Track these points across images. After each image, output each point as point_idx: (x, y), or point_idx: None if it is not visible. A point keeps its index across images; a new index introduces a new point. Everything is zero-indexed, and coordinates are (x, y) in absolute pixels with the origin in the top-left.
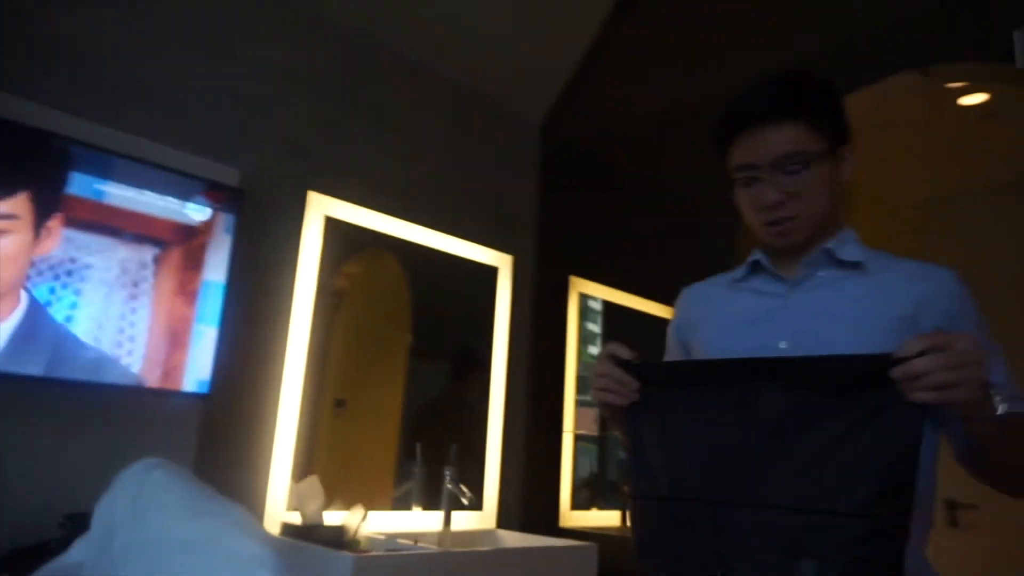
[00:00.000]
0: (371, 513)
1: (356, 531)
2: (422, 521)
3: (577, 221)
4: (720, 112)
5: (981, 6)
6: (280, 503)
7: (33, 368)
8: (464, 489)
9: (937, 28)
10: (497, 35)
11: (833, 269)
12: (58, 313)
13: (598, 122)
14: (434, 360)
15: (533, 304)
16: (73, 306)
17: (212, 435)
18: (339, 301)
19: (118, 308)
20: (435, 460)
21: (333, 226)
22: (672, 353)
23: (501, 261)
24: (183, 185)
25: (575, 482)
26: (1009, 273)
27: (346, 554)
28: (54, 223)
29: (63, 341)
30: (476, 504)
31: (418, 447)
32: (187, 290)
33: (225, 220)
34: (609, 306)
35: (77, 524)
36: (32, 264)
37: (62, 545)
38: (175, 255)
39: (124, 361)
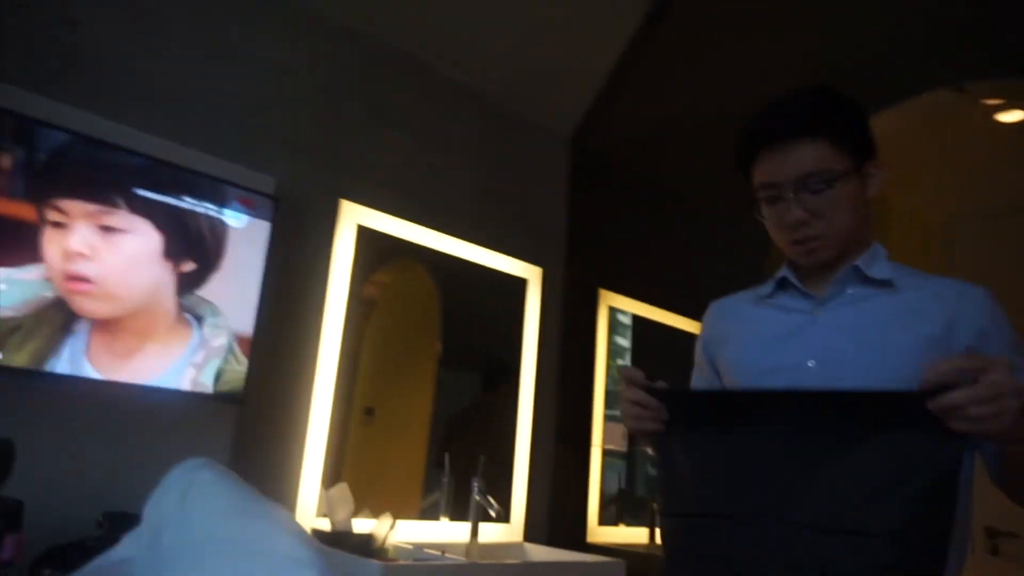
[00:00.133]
0: (399, 522)
1: (384, 540)
2: (449, 532)
3: (607, 233)
4: (741, 130)
5: (1018, 22)
6: (310, 509)
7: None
8: (492, 501)
9: (972, 44)
10: (528, 47)
11: (862, 287)
12: None
13: (628, 133)
14: (463, 370)
15: (562, 317)
16: None
17: (244, 440)
18: (369, 310)
19: None
20: (463, 471)
21: (365, 235)
22: (700, 369)
23: (530, 273)
24: (221, 192)
25: (603, 498)
26: None
27: (375, 562)
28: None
29: None
30: (503, 516)
31: (446, 457)
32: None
33: (260, 227)
34: (638, 320)
35: (115, 523)
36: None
37: (101, 543)
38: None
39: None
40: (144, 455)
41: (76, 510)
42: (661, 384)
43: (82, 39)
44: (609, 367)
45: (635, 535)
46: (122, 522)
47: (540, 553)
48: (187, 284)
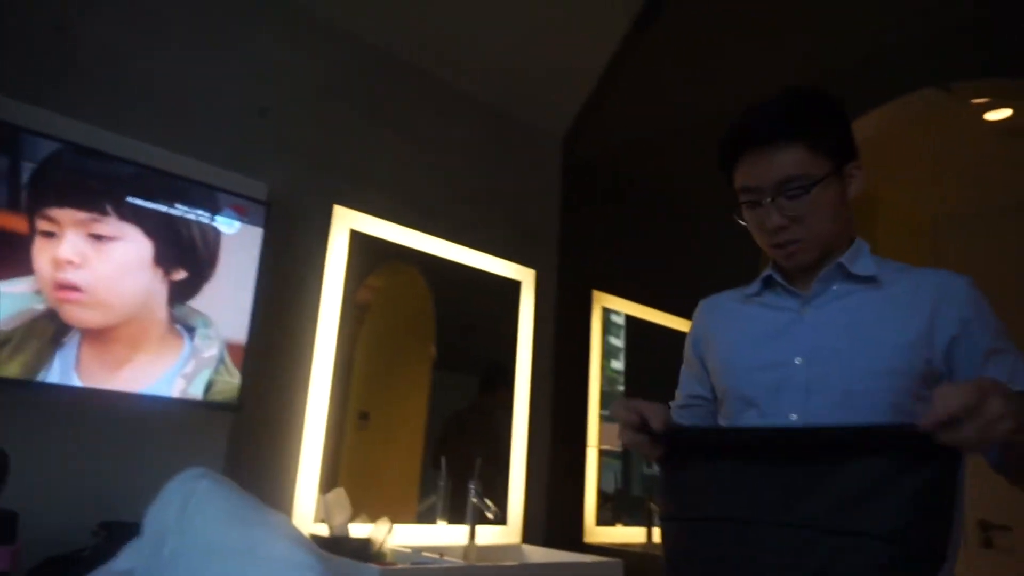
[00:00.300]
0: (396, 526)
1: (382, 544)
2: (447, 535)
3: (599, 235)
4: (722, 133)
5: (1004, 23)
6: (307, 515)
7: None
8: (489, 503)
9: (959, 45)
10: (519, 50)
11: (846, 283)
12: None
13: (620, 135)
14: (458, 373)
15: (556, 318)
16: None
17: (240, 447)
18: (363, 314)
19: None
20: (460, 473)
21: (358, 240)
22: (690, 365)
23: (524, 275)
24: (213, 199)
25: (599, 498)
26: None
27: (373, 567)
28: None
29: None
30: (501, 518)
31: (443, 460)
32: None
33: (253, 233)
34: (632, 320)
35: (111, 532)
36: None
37: (96, 553)
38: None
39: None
40: (139, 464)
41: (71, 520)
42: (656, 422)
43: (72, 46)
44: (603, 367)
45: (632, 535)
46: (118, 531)
47: (538, 554)
48: (179, 294)
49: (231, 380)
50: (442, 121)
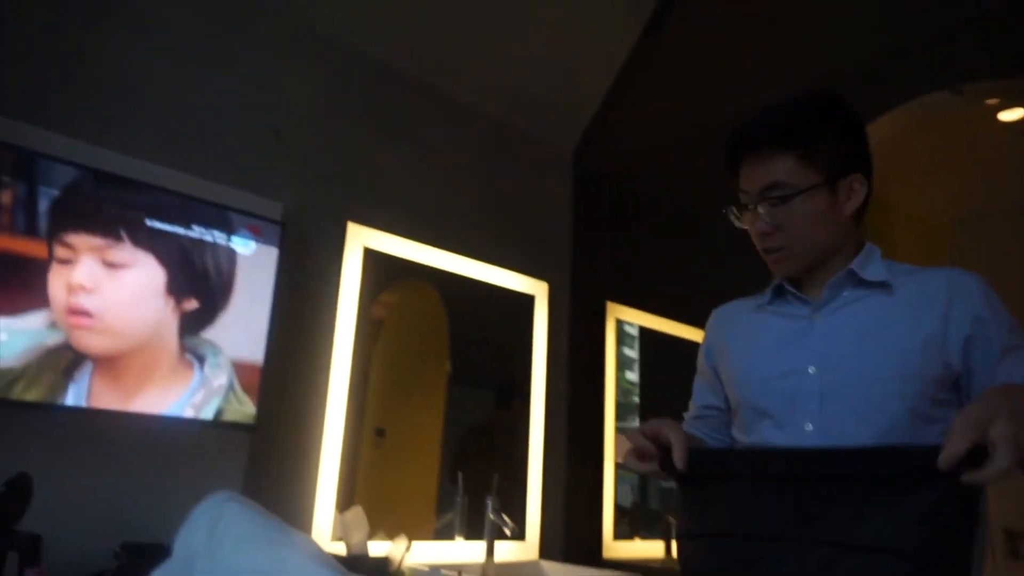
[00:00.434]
0: (414, 543)
1: (401, 562)
2: (465, 551)
3: (611, 246)
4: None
5: (1012, 22)
6: (325, 534)
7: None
8: (506, 519)
9: (967, 46)
10: (528, 65)
11: (857, 289)
12: None
13: (630, 146)
14: (473, 389)
15: (570, 331)
16: None
17: (258, 467)
18: (377, 331)
19: None
20: (477, 489)
21: (372, 257)
22: (703, 374)
23: (537, 289)
24: (229, 220)
25: (617, 512)
26: None
27: None
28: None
29: None
30: (518, 534)
31: (459, 476)
32: None
33: (268, 253)
34: (645, 332)
35: (133, 554)
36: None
37: (120, 574)
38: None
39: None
40: (159, 486)
41: (93, 542)
42: (679, 459)
43: (88, 71)
44: (618, 379)
45: (651, 549)
46: (139, 553)
47: (556, 571)
48: (191, 324)
49: (240, 408)
50: (453, 136)
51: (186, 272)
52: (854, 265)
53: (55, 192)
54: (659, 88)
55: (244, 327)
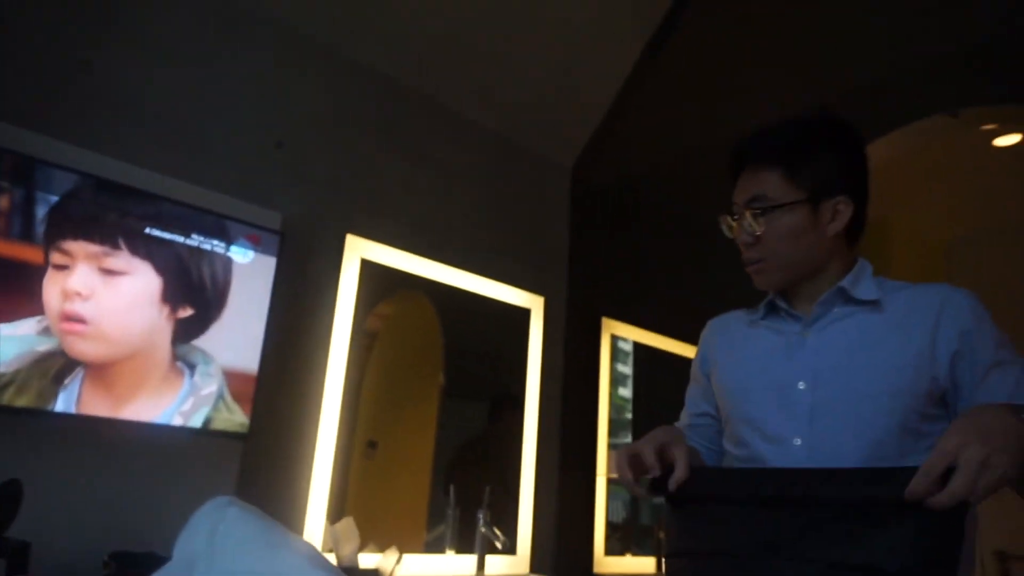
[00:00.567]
0: (404, 556)
1: (391, 574)
2: (456, 565)
3: (608, 262)
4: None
5: (1008, 50)
6: (316, 544)
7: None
8: (498, 532)
9: (964, 72)
10: (529, 79)
11: (847, 306)
12: None
13: (629, 163)
14: (467, 401)
15: (565, 345)
16: None
17: (249, 476)
18: (371, 342)
19: None
20: (468, 502)
21: (369, 268)
22: (696, 380)
23: (533, 303)
24: (228, 229)
25: (608, 527)
26: None
27: None
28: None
29: None
30: (510, 548)
31: (451, 489)
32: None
33: (266, 263)
34: (640, 347)
35: (123, 563)
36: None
37: None
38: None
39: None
40: (149, 495)
41: (82, 550)
42: (680, 474)
43: (91, 79)
44: (612, 395)
45: (642, 565)
46: (129, 562)
47: None
48: (184, 332)
49: (230, 416)
50: (452, 150)
51: (182, 280)
52: (845, 282)
53: (54, 198)
54: (659, 106)
55: (238, 336)
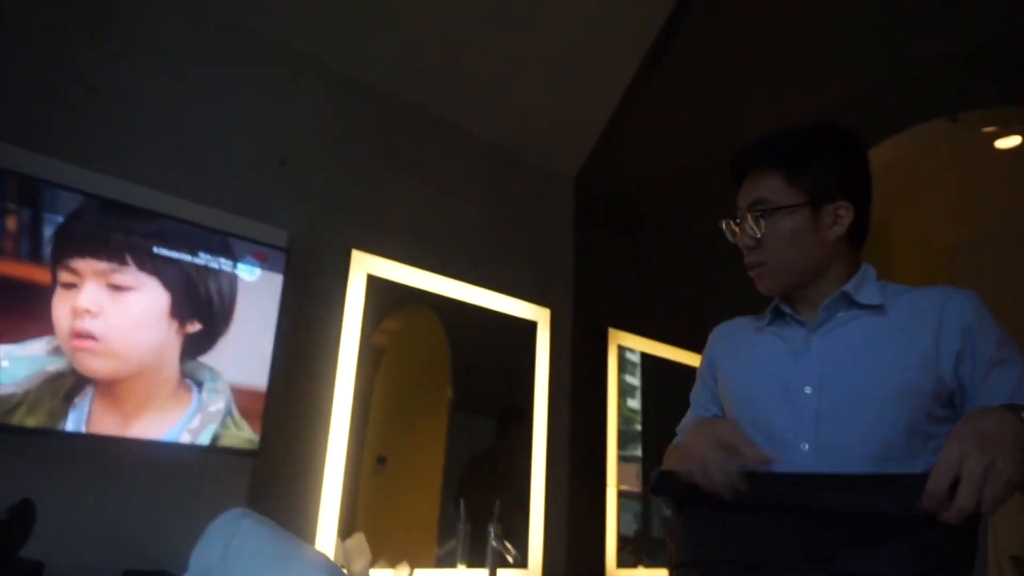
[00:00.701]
0: (416, 571)
1: None
2: None
3: (613, 273)
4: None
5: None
6: None
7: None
8: (509, 546)
9: (963, 75)
10: (530, 92)
11: (851, 310)
12: None
13: (632, 173)
14: (475, 415)
15: (572, 357)
16: None
17: (259, 493)
18: (379, 357)
19: None
20: (479, 517)
21: (375, 284)
22: (704, 383)
23: (539, 315)
24: (234, 247)
25: (619, 539)
26: None
27: None
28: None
29: None
30: (521, 562)
31: (461, 503)
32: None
33: (273, 280)
34: (647, 358)
35: None
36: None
37: None
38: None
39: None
40: (160, 512)
41: (94, 569)
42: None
43: (94, 100)
44: (620, 406)
45: None
46: None
47: None
48: (193, 347)
49: (239, 433)
50: (455, 164)
51: (190, 295)
52: (848, 287)
53: (60, 219)
54: (661, 116)
55: (245, 353)
